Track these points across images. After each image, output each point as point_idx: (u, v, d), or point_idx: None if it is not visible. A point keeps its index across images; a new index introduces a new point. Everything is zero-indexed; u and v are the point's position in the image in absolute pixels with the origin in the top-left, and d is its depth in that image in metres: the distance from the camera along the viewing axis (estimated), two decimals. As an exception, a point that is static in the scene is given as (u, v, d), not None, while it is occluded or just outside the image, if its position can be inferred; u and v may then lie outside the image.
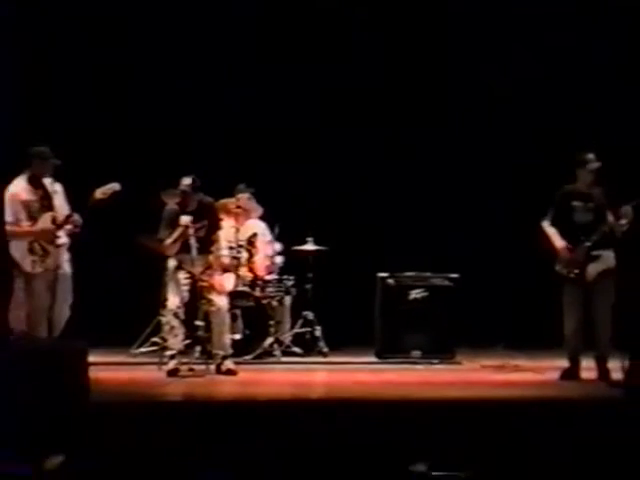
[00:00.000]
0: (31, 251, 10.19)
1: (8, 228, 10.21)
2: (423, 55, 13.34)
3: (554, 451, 6.70)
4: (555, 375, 10.18)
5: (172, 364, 10.36)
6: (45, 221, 10.20)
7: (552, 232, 10.23)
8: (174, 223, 10.54)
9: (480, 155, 13.14)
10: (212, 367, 10.48)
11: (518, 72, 13.07)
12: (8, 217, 10.20)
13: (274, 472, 5.41)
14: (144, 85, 13.11)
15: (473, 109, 13.25)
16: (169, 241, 10.52)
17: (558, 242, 10.18)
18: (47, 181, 10.26)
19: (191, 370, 10.49)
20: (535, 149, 12.61)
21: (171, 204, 10.70)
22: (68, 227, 10.23)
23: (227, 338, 10.62)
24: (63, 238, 10.25)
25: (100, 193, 10.14)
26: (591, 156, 10.18)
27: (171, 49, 13.15)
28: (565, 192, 10.25)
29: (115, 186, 10.17)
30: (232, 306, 10.96)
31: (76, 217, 10.21)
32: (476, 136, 13.20)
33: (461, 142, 13.22)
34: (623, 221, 9.89)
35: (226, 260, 11.38)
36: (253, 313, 11.75)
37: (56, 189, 10.29)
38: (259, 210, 12.12)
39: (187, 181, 10.59)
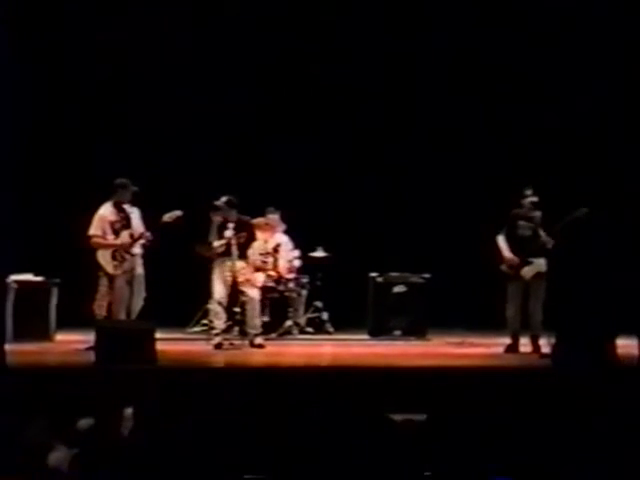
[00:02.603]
0: (114, 258, 10.27)
1: (97, 240, 10.30)
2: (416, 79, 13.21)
3: (497, 404, 6.74)
4: (500, 349, 10.19)
5: (217, 340, 10.40)
6: (124, 236, 10.29)
7: (503, 245, 10.33)
8: (220, 235, 10.60)
9: (448, 187, 13.13)
10: (246, 342, 10.50)
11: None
12: (98, 232, 10.29)
13: (291, 416, 5.47)
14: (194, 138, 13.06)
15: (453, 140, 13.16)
16: (217, 244, 10.57)
17: (507, 253, 10.28)
18: (127, 206, 10.37)
19: (231, 344, 10.49)
20: (493, 185, 12.53)
21: (217, 220, 10.76)
22: (142, 241, 10.33)
23: (258, 321, 10.66)
24: (138, 249, 10.35)
25: (167, 217, 10.22)
26: (529, 192, 10.33)
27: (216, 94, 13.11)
28: (513, 214, 10.40)
29: (178, 212, 10.25)
30: (262, 297, 11.02)
31: (148, 234, 10.30)
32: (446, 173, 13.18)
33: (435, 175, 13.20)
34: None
35: (258, 263, 11.44)
36: (277, 302, 11.76)
37: (134, 211, 10.39)
38: (283, 226, 12.16)
39: (223, 199, 10.62)
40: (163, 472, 4.86)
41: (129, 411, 5.73)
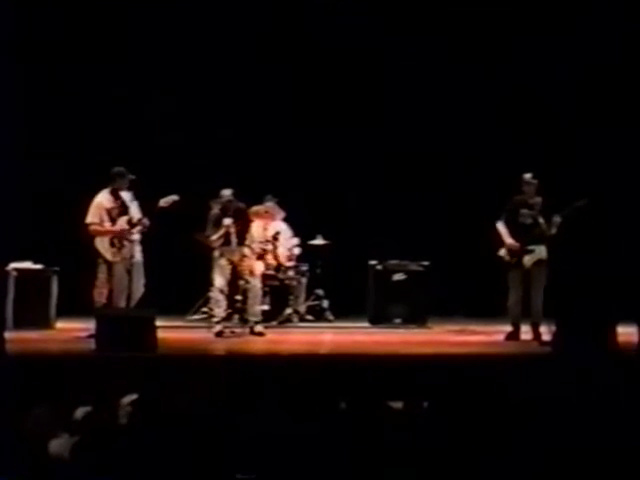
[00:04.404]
0: (112, 245, 10.27)
1: (95, 228, 10.30)
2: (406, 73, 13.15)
3: (498, 391, 6.75)
4: (501, 337, 10.19)
5: (218, 327, 10.42)
6: (122, 223, 10.29)
7: (503, 231, 10.33)
8: (218, 223, 10.60)
9: (448, 174, 13.12)
10: (247, 330, 10.52)
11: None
12: (95, 219, 10.29)
13: (291, 404, 5.48)
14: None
15: (450, 132, 13.06)
16: (215, 237, 10.58)
17: (507, 239, 10.28)
18: (124, 193, 10.36)
19: (232, 332, 10.52)
20: (493, 171, 12.49)
21: (215, 209, 10.76)
22: (139, 227, 10.33)
23: (258, 308, 10.68)
24: (136, 235, 10.34)
25: (163, 202, 10.20)
26: (528, 175, 10.30)
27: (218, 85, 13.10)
28: (515, 201, 10.37)
29: (174, 197, 10.23)
30: (262, 285, 11.01)
31: (145, 220, 10.29)
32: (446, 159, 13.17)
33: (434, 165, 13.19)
34: (553, 229, 9.95)
35: (257, 251, 11.43)
36: (278, 290, 11.77)
37: (132, 199, 10.38)
38: (282, 214, 12.15)
39: (228, 192, 10.65)
40: (162, 460, 4.87)
41: (127, 398, 5.75)
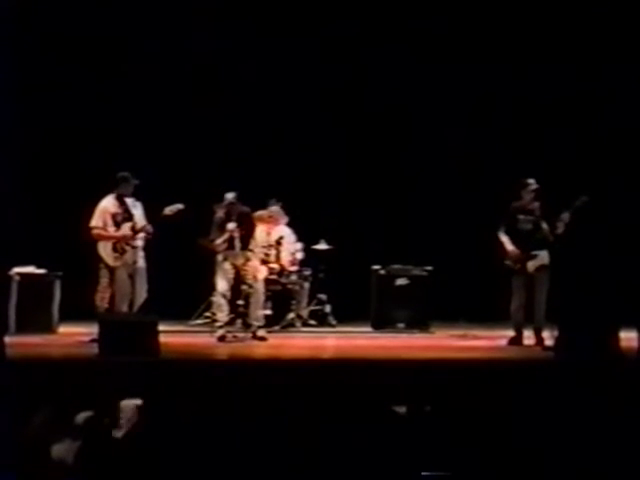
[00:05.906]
0: (114, 250, 10.28)
1: (98, 232, 10.31)
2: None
3: (501, 394, 6.76)
4: (504, 342, 10.19)
5: (220, 332, 10.42)
6: (126, 229, 10.30)
7: (505, 239, 10.31)
8: (222, 228, 10.61)
9: (450, 179, 13.12)
10: (249, 335, 10.51)
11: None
12: (99, 223, 10.31)
13: (294, 409, 5.48)
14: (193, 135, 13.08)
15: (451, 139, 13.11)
16: (219, 242, 10.59)
17: (509, 247, 10.26)
18: (130, 199, 10.37)
19: (234, 337, 10.52)
20: (494, 177, 12.48)
21: (219, 213, 10.77)
22: (142, 234, 10.34)
23: (261, 313, 10.68)
24: (139, 241, 10.35)
25: (168, 210, 10.22)
26: (531, 181, 10.29)
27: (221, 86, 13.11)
28: (513, 207, 10.36)
29: (179, 206, 10.25)
30: (265, 290, 11.01)
31: (148, 227, 10.31)
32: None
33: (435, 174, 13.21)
34: (560, 226, 9.90)
35: (260, 255, 11.43)
36: (280, 295, 11.77)
37: (136, 205, 10.40)
38: (285, 219, 12.16)
39: (231, 195, 10.66)
40: (164, 464, 4.88)
41: (129, 403, 5.75)
